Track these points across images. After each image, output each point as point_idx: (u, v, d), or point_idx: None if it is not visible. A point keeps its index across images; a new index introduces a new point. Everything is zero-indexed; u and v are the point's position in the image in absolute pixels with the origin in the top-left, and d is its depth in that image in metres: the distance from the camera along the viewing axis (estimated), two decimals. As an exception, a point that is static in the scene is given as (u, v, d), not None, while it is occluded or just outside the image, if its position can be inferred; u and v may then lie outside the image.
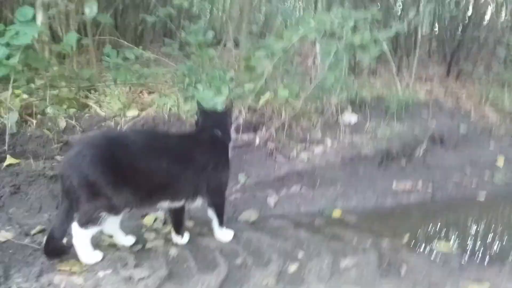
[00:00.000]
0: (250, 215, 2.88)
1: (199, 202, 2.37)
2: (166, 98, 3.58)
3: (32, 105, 3.21)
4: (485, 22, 6.83)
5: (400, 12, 7.02)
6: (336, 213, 3.03)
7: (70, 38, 3.42)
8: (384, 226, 2.81)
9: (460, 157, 4.03)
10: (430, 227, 2.87)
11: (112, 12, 5.32)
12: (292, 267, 2.14)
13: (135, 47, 3.88)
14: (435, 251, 2.46)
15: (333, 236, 2.60)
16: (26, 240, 2.32)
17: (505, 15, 6.76)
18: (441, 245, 2.54)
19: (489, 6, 6.75)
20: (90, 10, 3.34)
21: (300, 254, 2.28)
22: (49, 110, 3.20)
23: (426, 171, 3.75)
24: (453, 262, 2.25)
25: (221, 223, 2.45)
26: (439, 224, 2.94)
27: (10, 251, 2.21)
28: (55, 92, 3.41)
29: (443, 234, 2.76)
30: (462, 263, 2.26)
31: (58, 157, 2.97)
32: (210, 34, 3.61)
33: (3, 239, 2.33)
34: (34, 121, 3.14)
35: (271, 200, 3.08)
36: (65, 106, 3.29)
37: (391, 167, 3.72)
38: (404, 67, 6.25)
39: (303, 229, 2.66)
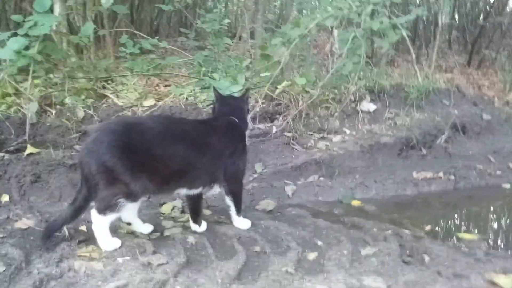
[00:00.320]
0: (268, 204, 2.85)
1: (216, 189, 2.35)
2: (182, 88, 3.57)
3: (51, 95, 3.23)
4: (508, 8, 6.61)
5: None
6: (355, 203, 2.98)
7: (87, 29, 3.43)
8: (405, 216, 2.74)
9: (483, 146, 3.92)
10: (453, 216, 2.80)
11: (128, 6, 5.32)
12: (311, 255, 2.10)
13: (151, 38, 3.87)
14: (458, 241, 2.39)
15: (353, 225, 2.55)
16: (47, 227, 2.34)
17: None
18: (465, 235, 2.46)
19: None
20: (107, 0, 3.34)
21: (319, 242, 2.24)
22: (67, 100, 3.22)
23: (448, 160, 3.66)
24: (477, 252, 2.18)
25: (238, 211, 2.43)
26: (463, 213, 2.86)
27: (31, 238, 2.23)
28: (74, 82, 3.43)
29: (466, 224, 2.69)
30: (487, 253, 2.18)
31: (77, 147, 3.00)
32: (226, 22, 3.57)
33: (24, 226, 2.36)
34: (54, 111, 3.17)
35: (289, 189, 3.05)
36: (83, 97, 3.31)
37: (411, 156, 3.65)
38: (423, 57, 6.11)
39: (321, 218, 2.62)
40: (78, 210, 2.07)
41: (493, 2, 6.62)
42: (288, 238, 2.29)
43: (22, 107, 3.10)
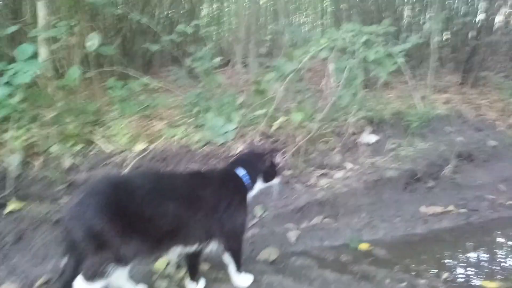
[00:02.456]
0: (270, 253, 2.65)
1: (213, 246, 2.16)
2: (175, 129, 3.41)
3: (36, 144, 3.06)
4: (497, 25, 6.58)
5: (409, 22, 6.84)
6: (363, 246, 2.78)
7: (73, 73, 3.30)
8: (418, 260, 2.55)
9: (492, 174, 3.75)
10: (470, 257, 2.60)
11: (120, 40, 5.24)
12: (322, 319, 1.90)
13: (141, 77, 3.73)
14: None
15: (363, 276, 2.35)
16: (30, 292, 2.14)
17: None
18: (488, 284, 2.26)
19: (501, 9, 6.49)
20: (92, 43, 3.22)
21: (328, 301, 2.04)
22: (53, 149, 3.04)
23: (457, 191, 3.48)
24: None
25: (238, 268, 2.24)
26: (480, 253, 2.66)
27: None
28: (60, 128, 3.27)
29: (487, 266, 2.48)
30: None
31: (63, 200, 2.81)
32: (217, 59, 3.45)
33: (7, 294, 2.16)
34: (37, 162, 2.99)
35: (292, 234, 2.85)
36: (69, 144, 3.13)
37: (417, 189, 3.47)
38: (418, 77, 6.01)
39: (329, 268, 2.43)
40: (69, 282, 1.87)
41: (483, 19, 6.60)
42: (294, 297, 2.09)
43: (3, 160, 2.91)
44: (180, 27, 3.78)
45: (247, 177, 2.26)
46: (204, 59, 3.52)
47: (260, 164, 2.33)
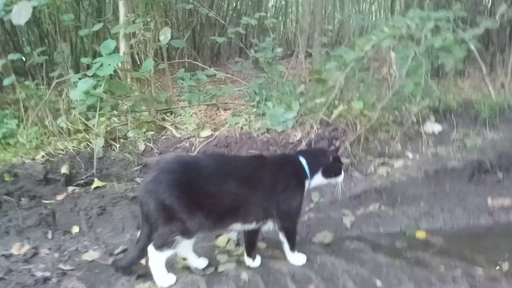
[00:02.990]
0: (325, 236, 2.75)
1: (270, 225, 2.32)
2: (238, 117, 3.61)
3: (116, 130, 3.44)
4: None
5: (490, 6, 6.36)
6: (420, 234, 2.77)
7: (147, 65, 3.63)
8: (478, 251, 2.48)
9: None
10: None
11: (190, 32, 5.57)
12: (370, 298, 1.98)
13: (209, 68, 3.99)
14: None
15: (417, 262, 2.36)
16: (110, 260, 2.46)
17: None
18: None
19: None
20: (165, 37, 3.52)
21: (378, 282, 2.10)
22: (130, 134, 3.40)
23: (529, 184, 3.28)
24: None
25: (292, 247, 2.37)
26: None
27: (96, 271, 2.36)
28: (136, 116, 3.63)
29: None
30: None
31: (138, 179, 3.14)
32: (279, 50, 3.57)
33: (90, 259, 2.50)
34: (118, 145, 3.36)
35: (347, 220, 2.92)
36: (144, 130, 3.48)
37: (484, 181, 3.33)
38: (498, 64, 5.61)
39: (382, 252, 2.47)
40: (143, 249, 2.13)
41: None
42: (345, 276, 2.18)
43: (91, 142, 3.32)
44: (246, 19, 3.96)
45: (307, 166, 2.38)
46: (267, 49, 3.66)
47: (322, 158, 2.43)
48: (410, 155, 3.49)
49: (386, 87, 3.64)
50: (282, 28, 8.07)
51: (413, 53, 3.42)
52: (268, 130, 3.51)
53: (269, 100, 3.68)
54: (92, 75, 3.30)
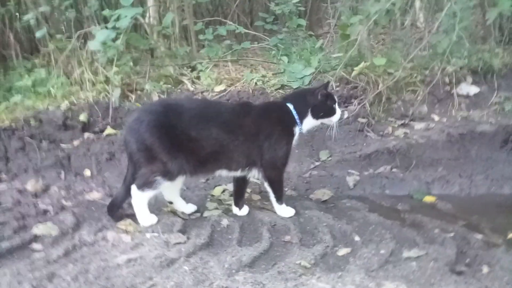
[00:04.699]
0: (324, 194, 2.64)
1: (254, 173, 2.25)
2: (254, 74, 3.52)
3: (134, 82, 3.51)
4: None
5: None
6: (428, 199, 2.55)
7: (167, 19, 3.62)
8: (487, 219, 2.23)
9: None
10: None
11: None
12: (342, 251, 1.86)
13: (232, 24, 3.90)
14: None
15: (412, 223, 2.19)
16: (109, 201, 2.55)
17: None
18: None
19: None
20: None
21: (357, 238, 1.97)
22: (147, 86, 3.45)
23: None
24: None
25: (278, 199, 2.29)
26: None
27: (92, 208, 2.46)
28: (157, 70, 3.67)
29: None
30: None
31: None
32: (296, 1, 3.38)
33: (91, 199, 2.62)
34: (134, 97, 3.43)
35: (351, 179, 2.77)
36: (161, 83, 3.51)
37: (518, 149, 2.96)
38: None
39: (377, 212, 2.31)
40: (129, 188, 2.17)
41: None
42: (325, 230, 2.07)
43: (109, 93, 3.43)
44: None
45: (295, 111, 2.26)
46: (288, 2, 3.49)
47: (309, 97, 2.28)
48: (436, 117, 3.19)
49: (414, 43, 3.31)
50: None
51: (447, 4, 3.07)
52: (282, 86, 3.38)
53: (289, 56, 3.53)
54: (112, 27, 3.36)
